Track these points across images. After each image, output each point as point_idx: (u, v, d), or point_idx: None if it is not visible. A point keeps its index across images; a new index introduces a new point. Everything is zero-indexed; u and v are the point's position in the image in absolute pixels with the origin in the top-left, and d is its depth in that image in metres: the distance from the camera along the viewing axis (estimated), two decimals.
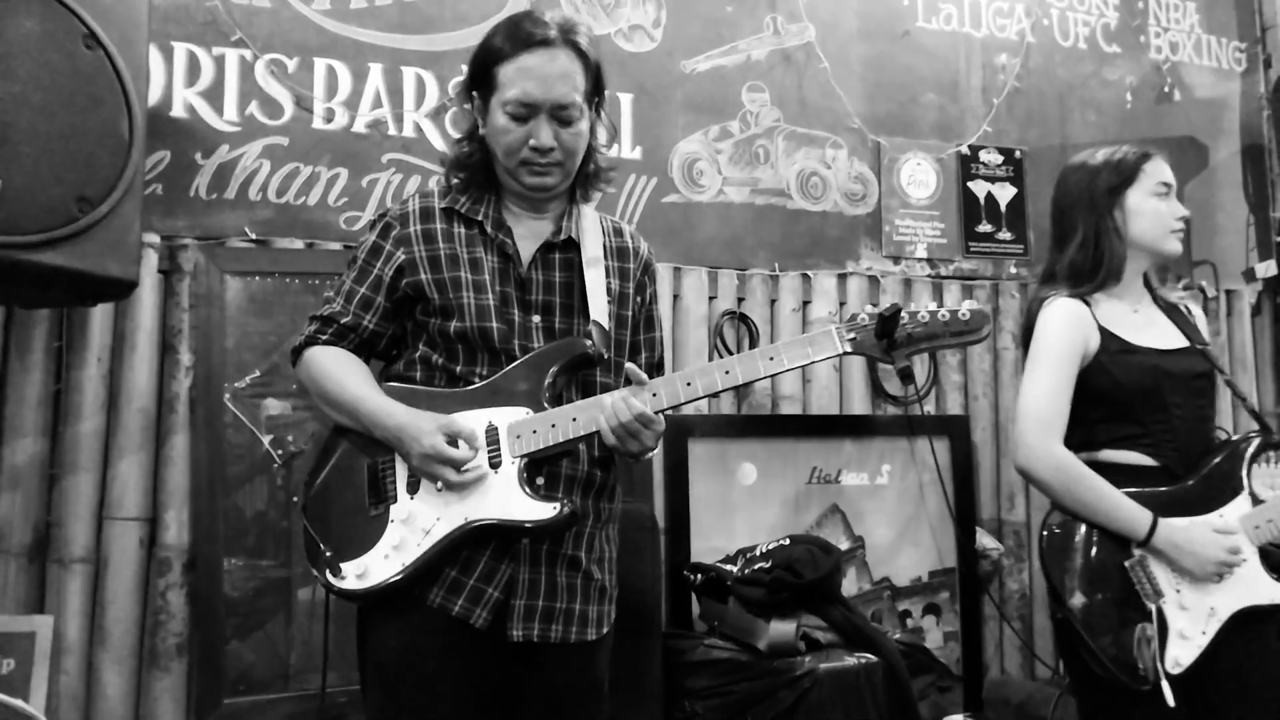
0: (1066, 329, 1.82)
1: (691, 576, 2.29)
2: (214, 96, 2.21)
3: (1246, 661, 1.72)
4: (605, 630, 1.56)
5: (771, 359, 1.46)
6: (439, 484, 1.45)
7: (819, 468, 2.61)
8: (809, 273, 2.69)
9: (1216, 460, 1.79)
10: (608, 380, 1.57)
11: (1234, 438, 1.84)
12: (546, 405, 1.47)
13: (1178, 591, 1.71)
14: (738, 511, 2.50)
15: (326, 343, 1.57)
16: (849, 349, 1.46)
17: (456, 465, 1.43)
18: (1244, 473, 1.78)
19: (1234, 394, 1.88)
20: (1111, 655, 1.66)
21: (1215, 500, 1.77)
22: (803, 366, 1.50)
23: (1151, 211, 1.85)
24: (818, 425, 2.63)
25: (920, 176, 2.85)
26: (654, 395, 1.45)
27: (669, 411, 1.46)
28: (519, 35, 1.50)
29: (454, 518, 1.44)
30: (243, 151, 2.22)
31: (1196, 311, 1.95)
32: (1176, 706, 1.63)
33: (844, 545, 2.56)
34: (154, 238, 2.11)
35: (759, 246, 2.67)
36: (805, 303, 2.68)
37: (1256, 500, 1.77)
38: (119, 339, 2.09)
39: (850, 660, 1.98)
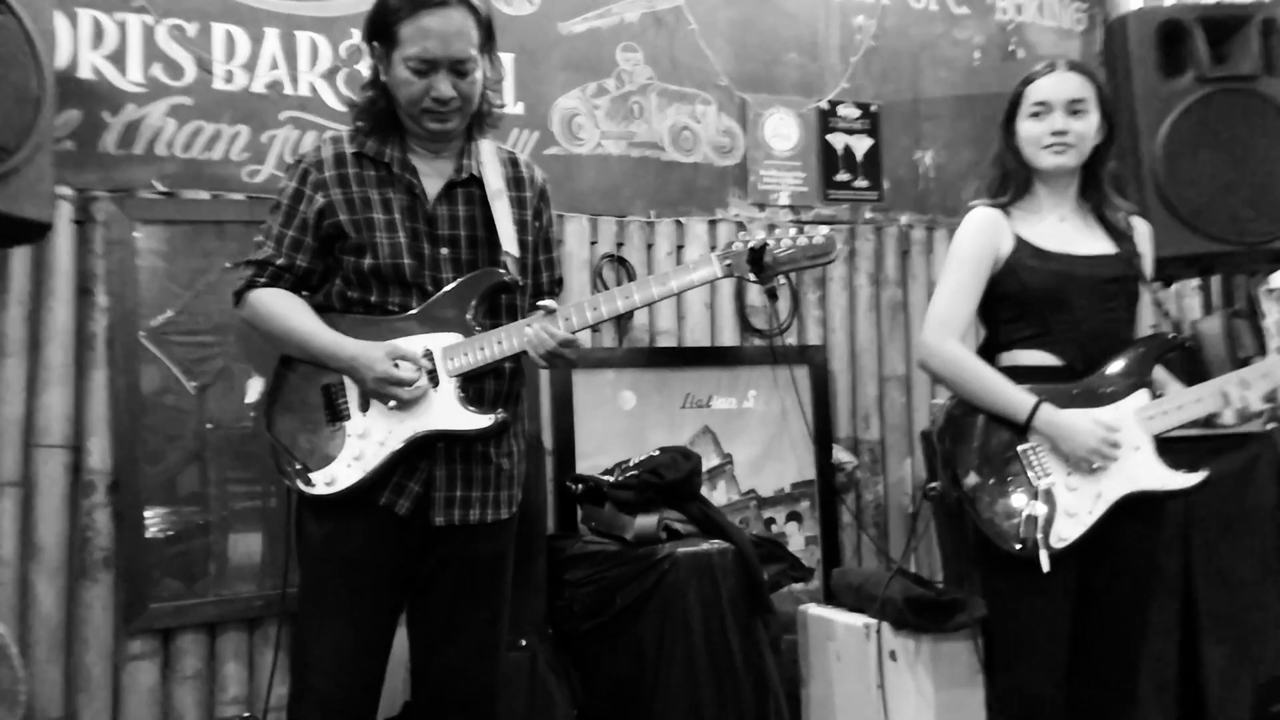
0: (975, 236, 1.96)
1: (574, 486, 2.58)
2: (118, 59, 2.38)
3: (1133, 540, 1.88)
4: (515, 509, 1.83)
5: (663, 284, 1.75)
6: (390, 403, 1.67)
7: (691, 394, 2.91)
8: (681, 219, 2.98)
9: (1118, 359, 1.91)
10: (518, 302, 1.81)
11: (1141, 338, 1.96)
12: (475, 329, 1.71)
13: (1068, 475, 1.85)
14: (618, 434, 2.80)
15: (265, 285, 1.74)
16: (727, 272, 1.76)
17: (406, 386, 1.66)
18: (1145, 369, 1.90)
19: (1152, 299, 2.00)
20: (999, 528, 1.83)
21: (1113, 396, 1.89)
22: (689, 289, 1.79)
23: (1026, 133, 1.95)
24: (691, 356, 2.93)
25: (783, 130, 3.14)
26: (566, 319, 1.69)
27: (579, 332, 1.72)
28: None
29: (405, 431, 1.68)
30: (148, 110, 2.40)
31: (1138, 225, 2.03)
32: (1063, 576, 1.82)
33: (714, 461, 2.88)
34: (67, 190, 2.28)
35: (636, 195, 2.93)
36: (679, 247, 2.97)
37: (1156, 395, 1.90)
38: (38, 284, 2.27)
39: (705, 546, 2.29)
